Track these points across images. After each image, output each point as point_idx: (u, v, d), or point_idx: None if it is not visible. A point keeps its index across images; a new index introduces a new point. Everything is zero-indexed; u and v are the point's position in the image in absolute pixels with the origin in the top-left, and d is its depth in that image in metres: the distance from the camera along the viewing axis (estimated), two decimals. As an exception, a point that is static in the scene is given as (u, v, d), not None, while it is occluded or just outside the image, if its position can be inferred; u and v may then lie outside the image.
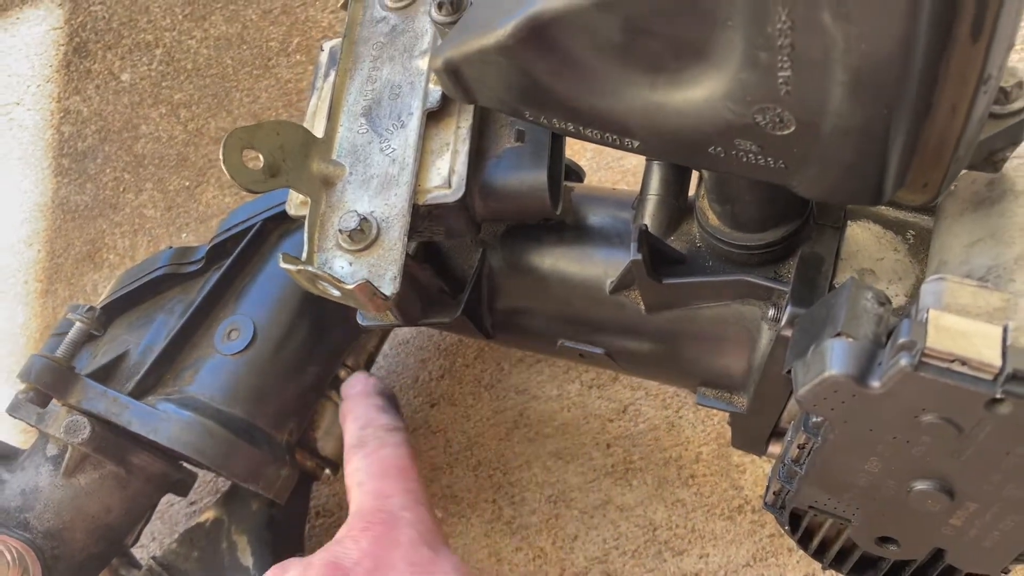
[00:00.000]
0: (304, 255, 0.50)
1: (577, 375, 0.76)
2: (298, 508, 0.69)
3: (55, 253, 0.89)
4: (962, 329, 0.37)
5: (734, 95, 0.39)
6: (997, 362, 0.36)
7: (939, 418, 0.38)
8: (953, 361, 0.36)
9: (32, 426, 0.62)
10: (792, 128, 0.39)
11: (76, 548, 0.61)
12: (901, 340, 0.37)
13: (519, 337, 0.62)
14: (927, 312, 0.37)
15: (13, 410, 0.62)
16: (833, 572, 0.52)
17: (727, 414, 0.60)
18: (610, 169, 0.82)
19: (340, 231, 0.50)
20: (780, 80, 0.37)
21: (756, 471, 0.70)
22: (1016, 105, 0.41)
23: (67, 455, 0.60)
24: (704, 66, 0.39)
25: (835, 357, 0.39)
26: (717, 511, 0.70)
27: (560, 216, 0.56)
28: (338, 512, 0.75)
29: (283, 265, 0.48)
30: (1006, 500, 0.41)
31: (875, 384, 0.38)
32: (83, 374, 0.60)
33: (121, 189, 0.91)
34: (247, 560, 0.64)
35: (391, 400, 0.63)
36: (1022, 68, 0.42)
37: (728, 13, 0.36)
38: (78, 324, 0.61)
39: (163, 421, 0.57)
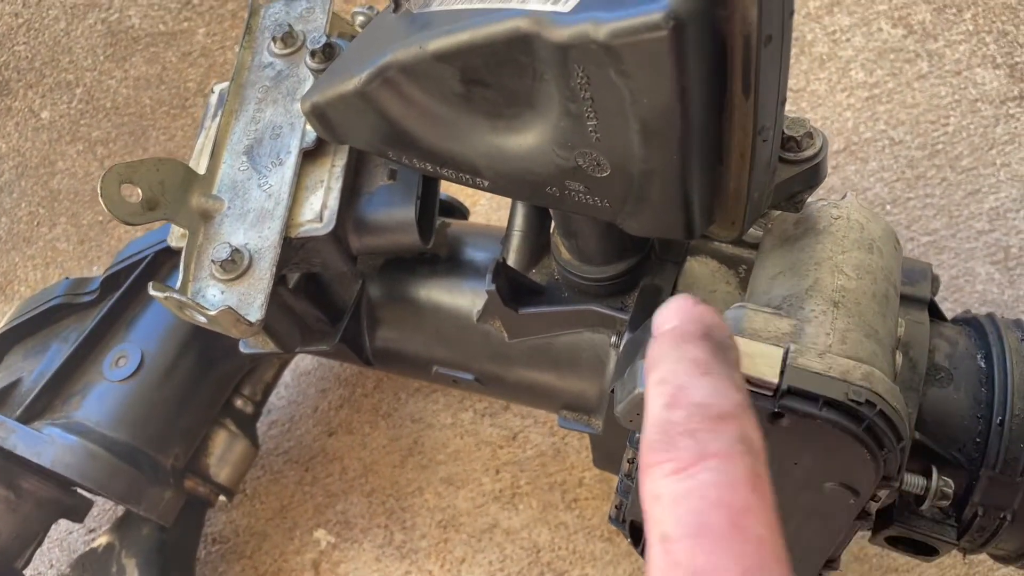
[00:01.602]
0: (179, 284, 0.53)
1: (471, 404, 0.79)
2: (190, 533, 0.71)
3: (-34, 285, 0.91)
4: (749, 351, 0.41)
5: (558, 140, 0.43)
6: (775, 380, 0.40)
7: (734, 431, 0.42)
8: (739, 380, 0.40)
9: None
10: (608, 171, 0.43)
11: (-40, 571, 0.62)
12: (697, 360, 0.41)
13: (397, 364, 0.65)
14: (723, 337, 0.42)
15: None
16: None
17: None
18: (507, 208, 0.86)
19: (213, 261, 0.53)
20: (590, 128, 0.41)
21: (634, 494, 0.74)
22: (807, 152, 0.46)
23: (-47, 480, 0.62)
24: (532, 114, 0.44)
25: (643, 376, 0.43)
26: (597, 533, 0.73)
27: (434, 250, 0.60)
28: (233, 539, 0.77)
29: (152, 292, 0.51)
30: (803, 509, 0.45)
31: (678, 400, 0.42)
32: (-27, 400, 0.61)
33: (35, 223, 0.93)
34: (135, 583, 0.66)
35: (724, 348, 0.33)
36: (810, 119, 0.47)
37: (541, 69, 0.40)
38: (-30, 351, 0.63)
39: (47, 445, 0.59)
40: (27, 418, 0.62)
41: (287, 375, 0.81)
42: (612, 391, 0.46)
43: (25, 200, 0.94)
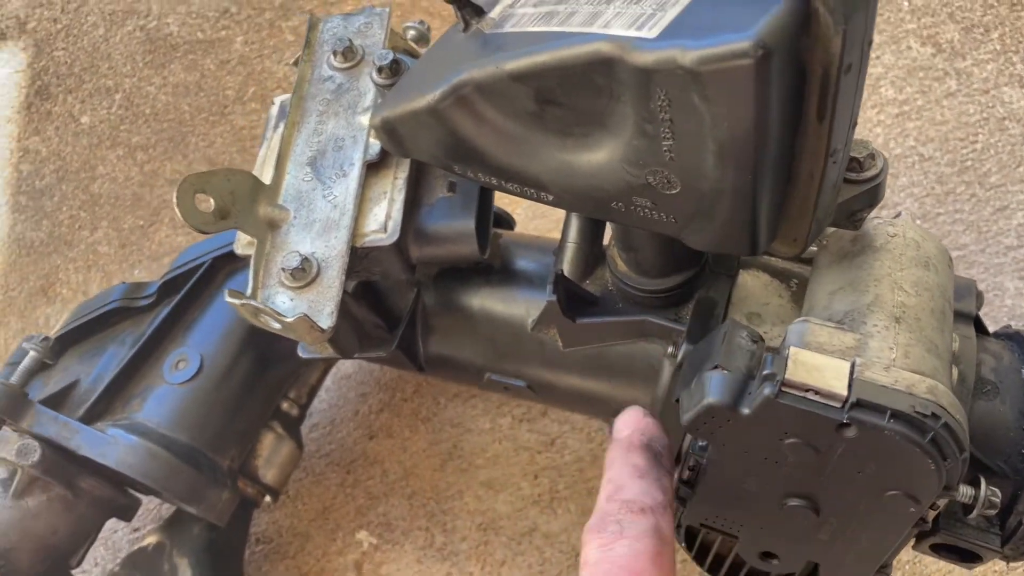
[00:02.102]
0: (249, 291, 0.54)
1: (509, 409, 0.81)
2: (238, 533, 0.73)
3: (9, 287, 0.92)
4: (816, 363, 0.43)
5: (629, 159, 0.45)
6: (843, 392, 0.42)
7: (799, 441, 0.44)
8: (807, 391, 0.42)
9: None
10: (678, 188, 0.45)
11: (22, 568, 0.63)
12: (765, 372, 0.43)
13: (449, 371, 0.67)
14: (789, 349, 0.44)
15: (-36, 435, 0.65)
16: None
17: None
18: (544, 218, 0.88)
19: (283, 269, 0.55)
20: (664, 148, 0.43)
21: (671, 500, 0.75)
22: (869, 173, 0.48)
23: (16, 478, 0.63)
24: (604, 133, 0.45)
25: (712, 387, 0.44)
26: (635, 538, 0.75)
27: (488, 260, 0.62)
28: (277, 539, 0.78)
29: (228, 299, 0.52)
30: (861, 515, 0.47)
31: (745, 411, 0.44)
32: (35, 401, 0.63)
33: (76, 226, 0.94)
34: (187, 580, 0.67)
35: (658, 457, 0.49)
36: (872, 142, 0.49)
37: (619, 91, 0.42)
38: (32, 353, 0.64)
39: (111, 445, 0.61)
40: (89, 419, 0.63)
41: (328, 379, 0.82)
42: (677, 400, 0.48)
43: (66, 204, 0.95)
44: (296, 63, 0.65)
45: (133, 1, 1.06)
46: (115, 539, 0.80)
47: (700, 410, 0.45)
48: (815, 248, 0.55)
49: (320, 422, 0.82)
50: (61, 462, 0.63)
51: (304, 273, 0.55)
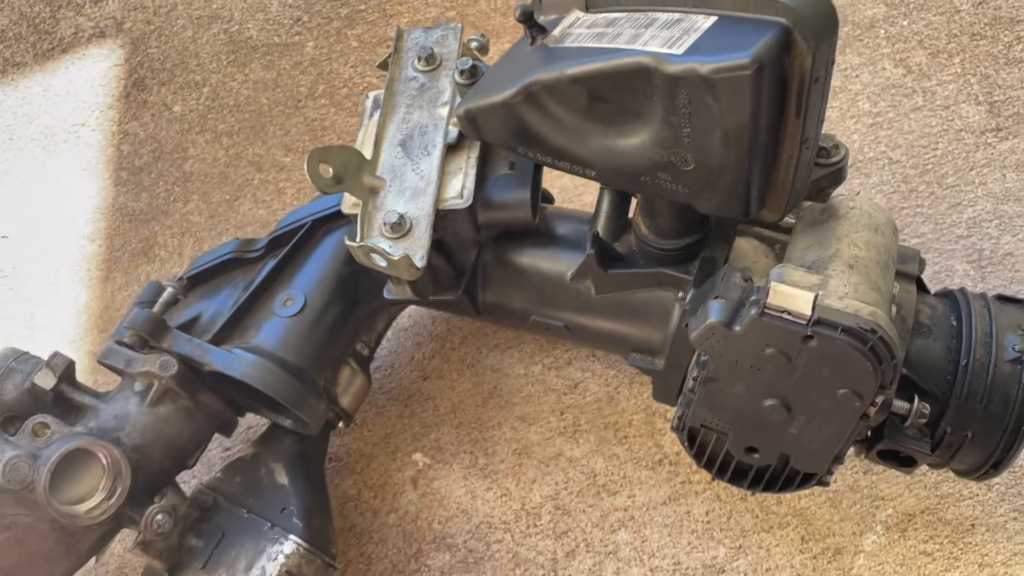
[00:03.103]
0: (358, 239, 0.70)
1: (540, 359, 0.97)
2: (319, 449, 0.88)
3: (113, 248, 1.08)
4: (790, 293, 0.59)
5: (657, 143, 0.61)
6: (808, 313, 0.58)
7: (776, 351, 0.60)
8: (783, 312, 0.59)
9: (116, 370, 0.81)
10: (693, 165, 0.61)
11: (154, 462, 0.79)
12: (752, 298, 0.59)
13: (502, 315, 0.83)
14: (771, 283, 0.60)
15: (104, 357, 0.81)
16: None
17: (652, 388, 0.82)
18: (572, 202, 1.05)
19: (384, 224, 0.71)
20: (684, 134, 0.59)
21: (672, 436, 0.91)
22: (835, 158, 0.64)
23: (152, 389, 0.79)
24: (639, 123, 0.61)
25: (713, 310, 0.61)
26: (643, 463, 0.91)
27: (536, 226, 0.78)
28: (346, 458, 0.94)
29: (347, 243, 0.69)
30: (822, 412, 0.63)
31: (737, 328, 0.60)
32: (172, 327, 0.79)
33: (171, 199, 1.10)
34: (283, 480, 0.83)
35: None
36: (848, 145, 0.65)
37: (653, 92, 0.58)
38: (169, 289, 0.80)
39: (236, 361, 0.77)
40: (215, 343, 0.79)
41: (389, 332, 0.98)
42: (686, 325, 0.64)
43: (162, 180, 1.11)
44: (381, 66, 0.82)
45: (217, 7, 1.22)
46: (209, 456, 0.95)
47: (704, 328, 0.61)
48: (792, 220, 0.72)
49: (382, 365, 0.98)
50: (190, 377, 0.79)
51: (400, 227, 0.71)
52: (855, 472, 0.88)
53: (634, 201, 0.77)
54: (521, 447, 0.93)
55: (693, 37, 0.57)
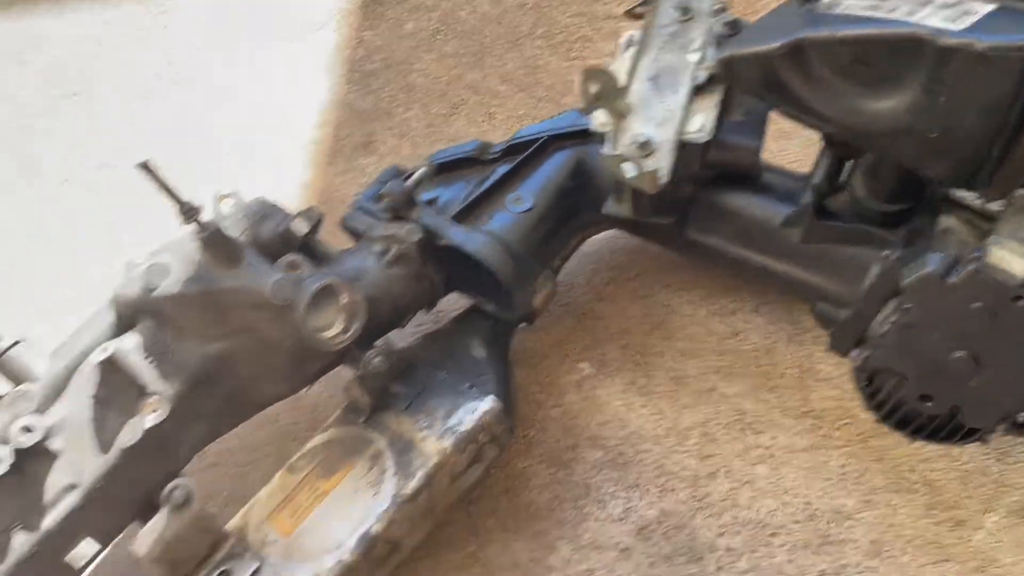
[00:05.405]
0: (608, 151, 0.81)
1: (706, 305, 1.06)
2: (508, 338, 0.99)
3: (339, 137, 1.21)
4: (1007, 257, 0.68)
5: (910, 108, 0.70)
6: (1021, 275, 0.66)
7: (983, 305, 0.68)
8: (1000, 272, 0.67)
9: (357, 233, 0.93)
10: (937, 133, 0.69)
11: (381, 313, 0.91)
12: (973, 255, 0.68)
13: (702, 249, 0.93)
14: (990, 247, 0.68)
15: (349, 219, 0.94)
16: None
17: (812, 347, 0.90)
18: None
19: (633, 143, 0.81)
20: (940, 102, 0.67)
21: (822, 393, 1.00)
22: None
23: (390, 252, 0.91)
24: (896, 89, 0.70)
25: (932, 261, 0.69)
26: (789, 412, 1.00)
27: (754, 173, 0.87)
28: (522, 355, 1.05)
29: (603, 152, 0.79)
30: (1011, 371, 0.71)
31: (953, 280, 0.68)
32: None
33: (395, 104, 1.23)
34: (479, 354, 0.94)
35: None
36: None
37: (921, 61, 0.67)
38: (424, 169, 0.92)
39: (472, 237, 0.88)
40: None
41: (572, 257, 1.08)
42: (889, 276, 0.73)
43: (389, 86, 1.24)
44: (628, 13, 0.92)
45: (457, -56, 1.34)
46: (402, 333, 1.07)
47: (921, 276, 0.70)
48: (999, 208, 0.79)
49: (563, 281, 1.09)
50: (424, 248, 0.91)
51: (647, 147, 0.81)
52: (987, 458, 0.95)
53: (847, 165, 0.86)
54: (679, 376, 1.03)
55: (971, 19, 0.65)
